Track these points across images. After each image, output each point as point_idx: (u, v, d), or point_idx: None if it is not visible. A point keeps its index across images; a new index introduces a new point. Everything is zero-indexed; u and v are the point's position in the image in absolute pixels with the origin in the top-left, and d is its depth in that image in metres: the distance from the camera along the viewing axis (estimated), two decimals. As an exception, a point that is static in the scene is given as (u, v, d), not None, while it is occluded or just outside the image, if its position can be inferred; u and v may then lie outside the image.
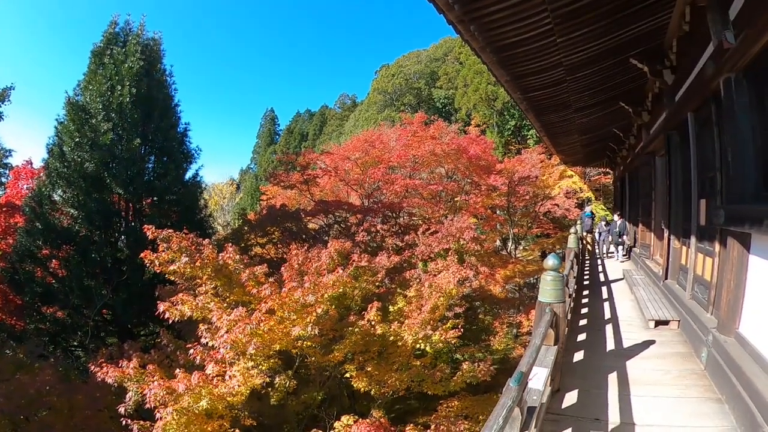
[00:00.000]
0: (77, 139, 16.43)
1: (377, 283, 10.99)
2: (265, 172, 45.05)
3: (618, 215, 17.24)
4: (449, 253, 13.98)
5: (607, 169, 27.34)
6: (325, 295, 8.20)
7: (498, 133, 39.23)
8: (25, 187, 22.84)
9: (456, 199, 23.94)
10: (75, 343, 16.97)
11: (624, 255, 16.65)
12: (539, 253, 28.89)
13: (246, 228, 18.89)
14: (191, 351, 7.54)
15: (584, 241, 17.85)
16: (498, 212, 27.20)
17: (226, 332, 7.17)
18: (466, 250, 16.21)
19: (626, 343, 7.18)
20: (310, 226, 20.19)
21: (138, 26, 18.68)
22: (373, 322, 9.07)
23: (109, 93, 16.88)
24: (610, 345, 7.19)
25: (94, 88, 17.11)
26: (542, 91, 10.07)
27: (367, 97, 62.20)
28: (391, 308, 10.34)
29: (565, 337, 5.65)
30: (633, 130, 15.13)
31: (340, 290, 8.92)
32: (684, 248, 8.65)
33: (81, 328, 16.35)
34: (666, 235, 9.72)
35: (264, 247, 17.82)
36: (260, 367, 7.56)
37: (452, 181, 23.48)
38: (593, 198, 29.99)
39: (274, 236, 17.46)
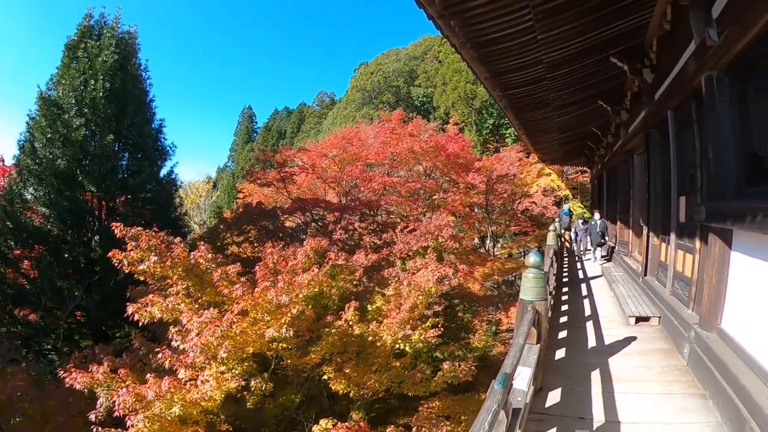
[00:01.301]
0: (49, 135, 15.92)
1: (355, 282, 10.85)
2: (243, 170, 44.61)
3: (597, 213, 16.30)
4: (428, 251, 13.93)
5: (585, 168, 27.58)
6: (300, 295, 7.96)
7: (476, 132, 39.36)
8: (-3, 185, 22.15)
9: (434, 197, 23.91)
10: (48, 347, 16.45)
11: (604, 256, 15.79)
12: (517, 251, 29.12)
13: (222, 227, 18.61)
14: (160, 355, 7.28)
15: (563, 239, 17.97)
16: (477, 210, 27.24)
17: (197, 335, 6.93)
18: (445, 248, 16.17)
19: (608, 340, 7.19)
20: (288, 224, 19.99)
21: (113, 19, 18.16)
22: (350, 323, 8.89)
23: (82, 87, 16.41)
24: (592, 342, 7.19)
25: (67, 82, 16.61)
26: (522, 88, 10.08)
27: (345, 95, 62.11)
28: (369, 307, 10.21)
29: (547, 334, 5.60)
30: (611, 128, 15.25)
31: (316, 290, 8.73)
32: (663, 245, 8.72)
33: (54, 330, 15.83)
34: (645, 232, 9.80)
35: (240, 246, 17.58)
36: (234, 370, 7.34)
37: (431, 179, 23.38)
38: (571, 196, 30.27)
39: (250, 235, 17.22)
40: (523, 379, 4.07)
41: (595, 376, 5.77)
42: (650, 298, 8.82)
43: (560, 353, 6.69)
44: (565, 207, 24.67)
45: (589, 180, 27.50)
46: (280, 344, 7.83)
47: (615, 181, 16.18)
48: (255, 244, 16.98)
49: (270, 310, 7.42)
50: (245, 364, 7.54)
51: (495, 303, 19.66)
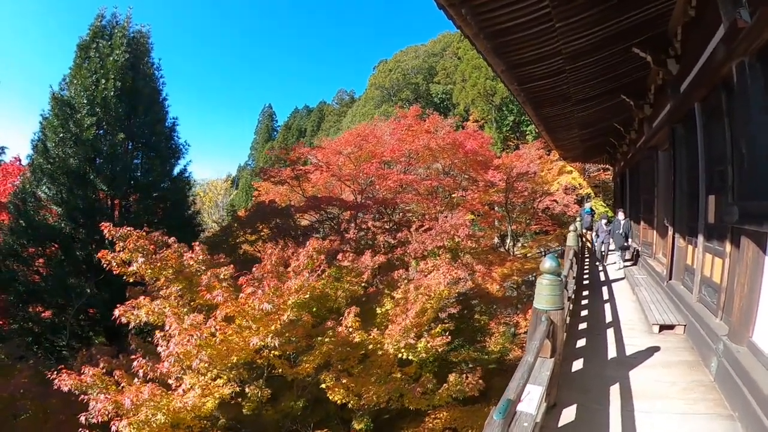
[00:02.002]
0: (61, 135, 16.06)
1: (363, 284, 10.44)
2: (257, 167, 44.42)
3: (621, 213, 14.47)
4: (441, 252, 13.48)
5: (607, 166, 26.80)
6: (289, 301, 7.52)
7: (496, 129, 38.81)
8: (13, 184, 22.34)
9: (453, 195, 23.43)
10: (62, 344, 16.48)
11: (629, 261, 14.39)
12: (537, 251, 28.48)
13: (235, 225, 18.41)
14: (135, 363, 6.94)
15: (584, 239, 17.33)
16: (496, 209, 26.73)
17: (175, 344, 6.57)
18: (461, 247, 15.69)
19: (629, 350, 6.69)
20: (304, 223, 19.72)
21: (124, 19, 18.28)
22: (350, 329, 8.42)
23: (93, 87, 16.54)
24: (612, 352, 6.69)
25: (78, 82, 16.79)
26: (540, 81, 9.57)
27: (364, 93, 61.81)
28: (378, 310, 9.83)
29: (562, 346, 5.15)
30: (634, 124, 14.67)
31: (307, 295, 8.29)
32: (690, 247, 8.16)
33: (66, 328, 15.87)
34: (670, 233, 9.22)
35: (254, 245, 17.35)
36: (221, 378, 7.00)
37: (448, 177, 22.88)
38: (593, 194, 29.51)
39: (263, 233, 16.96)
40: (532, 400, 3.62)
41: (614, 391, 5.30)
42: (675, 304, 8.26)
43: (578, 364, 6.22)
44: (587, 206, 23.93)
45: (612, 178, 26.74)
46: (272, 352, 7.45)
47: (638, 178, 15.49)
48: (268, 243, 16.72)
49: (256, 317, 7.02)
50: (233, 372, 7.18)
51: (514, 304, 19.09)
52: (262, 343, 6.80)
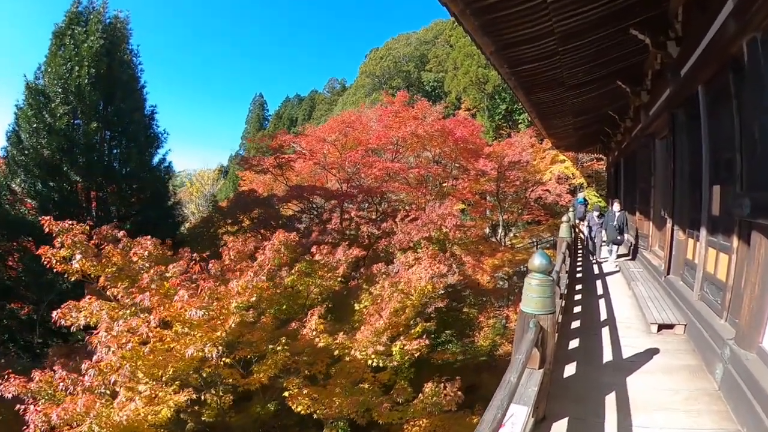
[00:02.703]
0: (35, 125, 15.51)
1: (340, 278, 9.81)
2: (237, 156, 43.43)
3: (617, 203, 13.35)
4: (423, 244, 12.85)
5: (601, 155, 26.38)
6: (232, 306, 6.81)
7: (488, 117, 38.38)
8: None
9: (444, 184, 22.91)
10: (38, 341, 15.91)
11: (624, 255, 13.58)
12: (529, 241, 28.14)
13: (216, 216, 17.80)
14: (57, 375, 6.33)
15: (577, 229, 16.84)
16: (489, 198, 26.28)
17: (98, 354, 6.00)
18: (449, 238, 15.12)
19: (626, 352, 6.20)
20: (289, 213, 19.13)
21: (101, 4, 17.72)
22: (315, 332, 7.72)
23: (68, 75, 15.95)
24: (607, 355, 6.19)
25: (53, 70, 16.20)
26: (532, 64, 8.98)
27: (355, 81, 61.02)
28: (357, 306, 9.21)
29: (553, 354, 4.64)
30: (629, 112, 14.23)
31: (254, 298, 7.36)
32: (691, 241, 7.66)
33: (42, 324, 15.29)
34: (669, 225, 8.71)
35: (235, 236, 16.78)
36: (174, 385, 6.38)
37: (438, 165, 22.30)
38: (586, 184, 29.14)
39: (243, 224, 16.38)
40: (515, 424, 3.12)
41: (610, 401, 4.80)
42: (674, 301, 7.78)
43: (570, 369, 5.72)
44: (580, 196, 23.44)
45: (605, 168, 26.32)
46: (223, 359, 6.83)
47: (633, 168, 14.98)
48: (249, 234, 16.18)
49: (194, 323, 6.33)
50: (176, 382, 6.54)
51: (505, 296, 18.65)
52: (200, 354, 6.13)
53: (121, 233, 8.65)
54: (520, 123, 35.65)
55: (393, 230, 14.25)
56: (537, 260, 4.17)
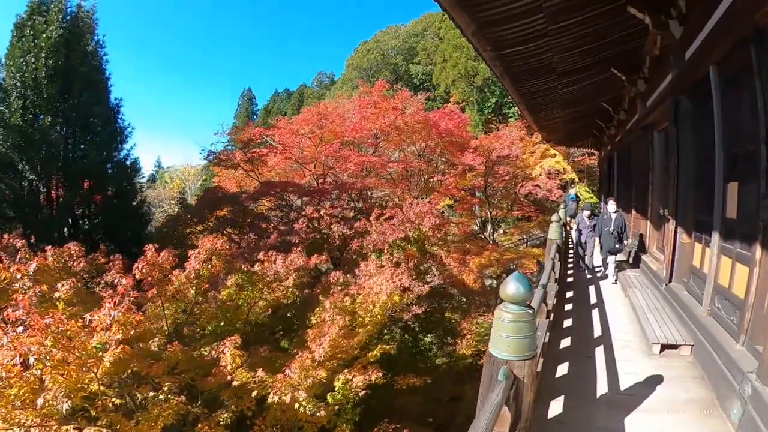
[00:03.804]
0: (-11, 121, 14.53)
1: (291, 289, 8.45)
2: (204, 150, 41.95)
3: (612, 203, 10.94)
4: (385, 251, 11.57)
5: (592, 150, 25.55)
6: (91, 344, 5.32)
7: (478, 111, 37.66)
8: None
9: (430, 179, 21.90)
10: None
11: (623, 263, 11.53)
12: (519, 238, 27.33)
13: (184, 214, 16.69)
14: None
15: (568, 227, 15.86)
16: (477, 194, 25.37)
17: None
18: (429, 239, 13.95)
19: (624, 381, 5.21)
20: (263, 211, 18.00)
21: (63, -7, 16.62)
22: (231, 367, 6.32)
23: (25, 67, 15.06)
24: (602, 384, 5.17)
25: (11, 63, 15.37)
26: (519, 47, 8.01)
27: (342, 75, 59.94)
28: (314, 319, 8.03)
29: (531, 409, 3.62)
30: (624, 103, 13.44)
31: (119, 336, 5.57)
32: (698, 246, 6.68)
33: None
34: (671, 226, 7.70)
35: (204, 235, 15.71)
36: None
37: (423, 160, 21.20)
38: (577, 180, 28.26)
39: (209, 223, 15.28)
40: None
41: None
42: (678, 314, 6.80)
43: (557, 406, 4.71)
44: (572, 191, 22.43)
45: (597, 163, 25.47)
46: (110, 400, 5.67)
47: (629, 163, 14.01)
48: (215, 234, 15.12)
49: (55, 363, 5.04)
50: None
51: (493, 298, 17.61)
52: (52, 403, 4.88)
53: (21, 242, 7.46)
54: (510, 117, 34.81)
55: (367, 230, 13.16)
56: (511, 287, 3.12)
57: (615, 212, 10.49)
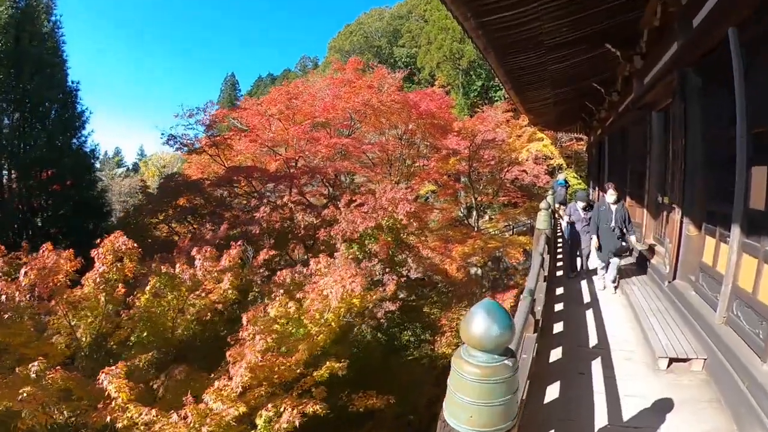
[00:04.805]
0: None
1: (223, 293, 7.16)
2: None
3: (613, 191, 8.36)
4: (340, 245, 10.42)
5: (581, 135, 24.75)
6: None
7: (463, 95, 36.95)
8: None
9: (414, 164, 20.93)
10: None
11: (631, 266, 9.53)
12: (505, 224, 26.69)
13: (145, 205, 15.56)
14: None
15: (556, 215, 15.00)
16: (463, 179, 24.52)
17: None
18: (404, 228, 12.86)
19: (628, 407, 4.29)
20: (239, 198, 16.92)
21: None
22: (117, 403, 4.89)
23: None
24: (601, 414, 4.23)
25: None
26: (504, 14, 7.00)
27: (324, 59, 58.67)
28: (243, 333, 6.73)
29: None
30: (617, 84, 12.54)
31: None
32: (710, 240, 5.77)
33: None
34: (676, 216, 6.77)
35: (169, 225, 14.66)
36: None
37: (405, 144, 20.16)
38: (565, 165, 27.54)
39: (168, 213, 14.22)
40: None
41: None
42: (685, 319, 5.91)
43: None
44: (560, 177, 21.63)
45: (586, 149, 24.69)
46: None
47: (622, 146, 13.09)
48: (174, 225, 14.11)
49: None
50: None
51: (474, 292, 16.78)
52: None
53: None
54: (497, 101, 34.02)
55: (336, 218, 12.08)
56: (479, 324, 2.07)
57: (615, 203, 8.24)
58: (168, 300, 6.62)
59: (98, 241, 6.67)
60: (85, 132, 17.04)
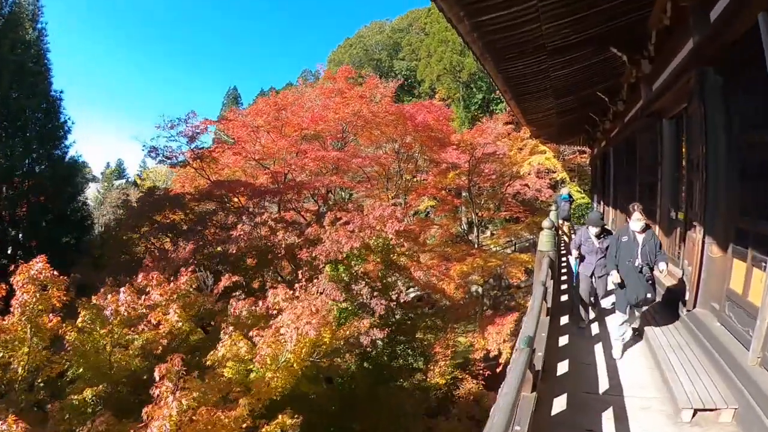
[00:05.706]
0: None
1: (181, 324, 6.53)
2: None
3: (639, 216, 6.08)
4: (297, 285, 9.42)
5: (584, 148, 24.11)
6: None
7: (464, 108, 36.66)
8: None
9: (413, 178, 20.25)
10: None
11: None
12: (506, 240, 26.08)
13: (125, 219, 14.88)
14: None
15: (560, 231, 14.15)
16: (463, 194, 23.90)
17: None
18: (395, 248, 12.02)
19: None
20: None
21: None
22: None
23: None
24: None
25: None
26: (502, 12, 6.28)
27: (324, 72, 58.43)
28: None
29: None
30: (622, 92, 11.98)
31: None
32: (739, 263, 4.94)
33: None
34: (697, 235, 5.91)
35: (149, 242, 13.94)
36: None
37: (401, 158, 19.45)
38: (568, 179, 26.81)
39: (144, 229, 13.57)
40: None
41: None
42: (709, 356, 5.05)
43: None
44: (564, 191, 20.76)
45: (589, 162, 24.00)
46: None
47: (629, 158, 12.34)
48: (152, 241, 13.40)
49: None
50: None
51: (478, 306, 15.98)
52: None
53: None
54: (498, 113, 33.49)
55: (320, 238, 11.24)
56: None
57: (643, 232, 6.02)
58: (100, 334, 5.82)
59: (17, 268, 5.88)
60: (67, 142, 16.61)
